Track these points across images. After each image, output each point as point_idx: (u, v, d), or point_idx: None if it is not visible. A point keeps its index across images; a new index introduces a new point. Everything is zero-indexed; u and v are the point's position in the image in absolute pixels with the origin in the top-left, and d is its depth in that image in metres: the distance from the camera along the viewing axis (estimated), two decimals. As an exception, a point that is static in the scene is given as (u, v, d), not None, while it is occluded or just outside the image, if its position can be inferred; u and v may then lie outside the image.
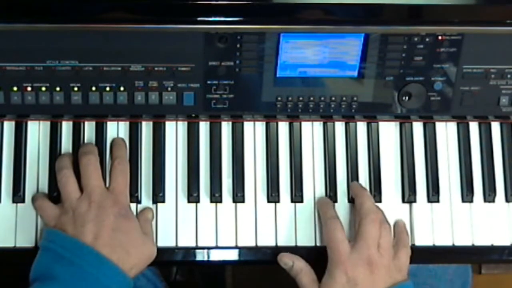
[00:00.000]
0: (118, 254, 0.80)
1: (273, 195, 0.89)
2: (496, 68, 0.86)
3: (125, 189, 0.85)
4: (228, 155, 0.90)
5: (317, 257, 0.87)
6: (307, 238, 0.89)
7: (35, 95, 0.85)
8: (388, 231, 0.85)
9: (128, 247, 0.81)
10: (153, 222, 0.88)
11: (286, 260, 0.86)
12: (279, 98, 0.87)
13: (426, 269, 0.99)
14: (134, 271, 0.82)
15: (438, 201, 0.91)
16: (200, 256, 0.89)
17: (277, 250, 0.88)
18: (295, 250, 0.88)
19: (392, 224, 0.89)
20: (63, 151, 0.88)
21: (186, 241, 0.88)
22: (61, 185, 0.84)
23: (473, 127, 0.93)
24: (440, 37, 0.84)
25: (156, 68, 0.84)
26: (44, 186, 0.88)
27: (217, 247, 0.88)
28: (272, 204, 0.90)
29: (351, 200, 0.90)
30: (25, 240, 0.86)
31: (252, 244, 0.88)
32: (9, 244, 0.86)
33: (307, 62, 0.84)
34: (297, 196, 0.90)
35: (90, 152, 0.85)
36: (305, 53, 0.84)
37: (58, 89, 0.85)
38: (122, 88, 0.85)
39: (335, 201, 0.90)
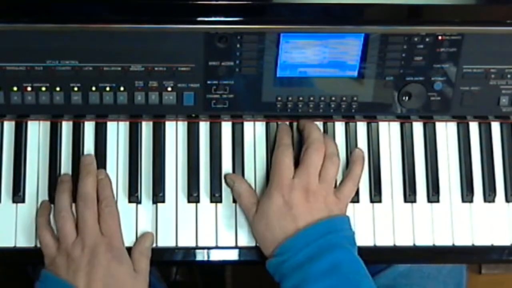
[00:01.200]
0: None
1: (273, 195, 0.89)
2: (496, 68, 0.86)
3: (117, 231, 0.85)
4: (228, 155, 0.90)
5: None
6: (307, 238, 0.89)
7: (35, 95, 0.85)
8: (335, 165, 0.86)
9: None
10: (153, 222, 0.88)
11: (228, 179, 0.88)
12: (279, 98, 0.87)
13: (419, 271, 0.99)
14: None
15: (438, 201, 0.91)
16: (200, 256, 0.89)
17: (277, 250, 0.88)
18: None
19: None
20: (63, 151, 0.88)
21: (186, 241, 0.88)
22: (58, 227, 0.84)
23: (473, 127, 0.93)
24: (440, 37, 0.84)
25: (156, 68, 0.84)
26: (44, 186, 0.88)
27: (217, 247, 0.88)
28: (272, 204, 0.90)
29: (351, 200, 0.90)
30: (25, 240, 0.86)
31: (252, 244, 0.88)
32: (9, 244, 0.86)
33: (307, 62, 0.84)
34: (284, 123, 0.90)
35: (89, 196, 0.85)
36: (305, 53, 0.84)
37: (58, 89, 0.85)
38: (122, 88, 0.85)
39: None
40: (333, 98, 0.88)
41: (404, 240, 0.90)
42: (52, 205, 0.87)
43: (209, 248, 0.89)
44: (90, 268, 0.80)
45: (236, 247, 0.89)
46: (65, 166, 0.89)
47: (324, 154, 0.87)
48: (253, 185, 0.90)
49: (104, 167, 0.88)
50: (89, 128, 0.90)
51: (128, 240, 0.86)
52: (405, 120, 0.92)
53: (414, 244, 0.90)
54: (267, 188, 0.86)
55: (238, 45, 0.83)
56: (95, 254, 0.81)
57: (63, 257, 0.82)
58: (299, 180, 0.84)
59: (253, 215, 0.86)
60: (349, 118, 0.91)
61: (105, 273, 0.81)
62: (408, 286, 0.89)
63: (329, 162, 0.86)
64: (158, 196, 0.88)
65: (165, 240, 0.88)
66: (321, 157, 0.86)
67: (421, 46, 0.84)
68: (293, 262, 0.80)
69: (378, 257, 0.89)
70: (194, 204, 0.89)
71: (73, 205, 0.86)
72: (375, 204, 0.91)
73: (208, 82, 0.86)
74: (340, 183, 0.88)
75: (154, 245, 0.87)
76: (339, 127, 0.92)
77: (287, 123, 0.90)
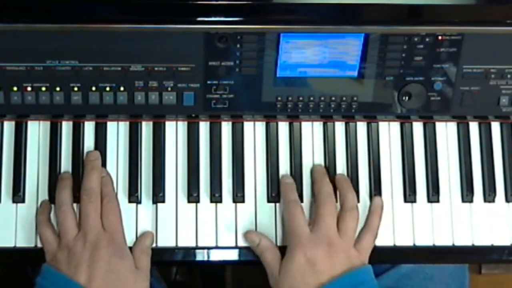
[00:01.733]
0: None
1: (273, 195, 0.89)
2: (496, 68, 0.86)
3: (119, 227, 0.85)
4: (228, 155, 0.90)
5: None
6: (307, 238, 0.89)
7: (35, 95, 0.85)
8: (354, 218, 0.86)
9: (120, 286, 0.81)
10: (153, 222, 0.88)
11: (253, 237, 0.87)
12: (279, 98, 0.87)
13: (422, 272, 0.98)
14: None
15: (438, 201, 0.91)
16: (200, 256, 0.89)
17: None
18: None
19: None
20: (63, 151, 0.88)
21: (186, 241, 0.88)
22: (59, 222, 0.84)
23: (473, 127, 0.93)
24: (440, 37, 0.84)
25: (156, 68, 0.84)
26: (44, 186, 0.88)
27: (217, 247, 0.88)
28: (272, 204, 0.90)
29: (351, 200, 0.90)
30: (25, 240, 0.86)
31: (252, 244, 0.88)
32: (9, 244, 0.86)
33: (307, 62, 0.84)
34: (286, 175, 0.90)
35: (93, 191, 0.85)
36: (305, 53, 0.84)
37: (58, 89, 0.85)
38: (122, 88, 0.85)
39: (335, 201, 0.90)
40: (333, 98, 0.88)
41: (404, 240, 0.90)
42: (53, 205, 0.87)
43: (209, 248, 0.89)
44: (91, 262, 0.80)
45: (236, 247, 0.89)
46: (65, 166, 0.88)
47: (342, 207, 0.86)
48: (253, 185, 0.90)
49: (104, 167, 0.88)
50: (89, 128, 0.90)
51: (128, 239, 0.86)
52: (405, 120, 0.92)
53: (414, 244, 0.90)
54: (287, 248, 0.85)
55: (238, 45, 0.83)
56: (96, 248, 0.81)
57: (64, 252, 0.82)
58: (319, 236, 0.83)
59: (276, 276, 0.84)
60: (349, 118, 0.91)
61: (106, 268, 0.80)
62: (410, 287, 0.89)
63: (349, 215, 0.85)
64: (158, 196, 0.88)
65: (165, 240, 0.88)
66: (335, 208, 0.86)
67: (421, 46, 0.84)
68: None
69: (378, 257, 0.89)
70: (194, 204, 0.89)
71: (73, 204, 0.86)
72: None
73: (208, 82, 0.86)
74: (359, 236, 0.87)
75: (154, 245, 0.88)
76: (339, 127, 0.92)
77: (289, 176, 0.89)
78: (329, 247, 0.83)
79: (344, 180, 0.89)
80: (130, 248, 0.86)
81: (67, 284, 0.79)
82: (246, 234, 0.88)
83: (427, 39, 0.83)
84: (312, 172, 0.90)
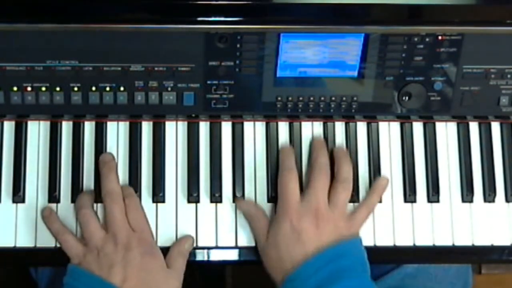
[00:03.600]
0: None
1: (273, 195, 0.89)
2: (496, 68, 0.86)
3: (146, 225, 0.85)
4: (228, 155, 0.90)
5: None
6: (307, 238, 0.89)
7: (35, 95, 0.85)
8: (346, 190, 0.85)
9: (153, 284, 0.82)
10: (153, 222, 0.88)
11: (242, 206, 0.87)
12: (279, 98, 0.87)
13: (426, 272, 0.98)
14: None
15: (438, 201, 0.91)
16: (200, 256, 0.89)
17: (277, 250, 0.88)
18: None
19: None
20: (63, 151, 0.88)
21: (186, 241, 0.88)
22: (82, 225, 0.84)
23: (473, 127, 0.93)
24: (440, 37, 0.84)
25: (156, 68, 0.84)
26: (44, 186, 0.88)
27: (217, 247, 0.88)
28: (272, 204, 0.89)
29: (351, 200, 0.90)
30: (25, 240, 0.86)
31: (252, 244, 0.88)
32: (9, 244, 0.86)
33: (307, 62, 0.84)
34: (288, 145, 0.90)
35: (116, 192, 0.85)
36: (305, 53, 0.84)
37: (58, 89, 0.85)
38: (122, 88, 0.85)
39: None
40: (333, 98, 0.88)
41: (404, 240, 0.90)
42: (54, 206, 0.86)
43: (209, 248, 0.89)
44: (125, 263, 0.80)
45: (236, 247, 0.89)
46: (65, 166, 0.88)
47: (336, 178, 0.86)
48: (253, 185, 0.90)
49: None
50: (89, 128, 0.90)
51: (128, 240, 0.87)
52: (405, 120, 0.92)
53: (414, 244, 0.90)
54: (275, 215, 0.85)
55: (238, 45, 0.83)
56: (129, 249, 0.81)
57: (94, 254, 0.81)
58: (307, 204, 0.83)
59: (263, 243, 0.85)
60: (349, 118, 0.91)
61: (139, 267, 0.81)
62: (415, 287, 0.89)
63: (341, 187, 0.85)
64: (158, 196, 0.88)
65: (165, 240, 0.88)
66: (327, 180, 0.85)
67: (421, 46, 0.84)
68: None
69: (378, 257, 0.89)
70: (194, 204, 0.89)
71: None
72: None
73: (208, 82, 0.86)
74: (355, 209, 0.87)
75: (154, 245, 0.88)
76: (339, 127, 0.92)
77: (289, 145, 0.90)
78: (316, 218, 0.82)
79: (342, 152, 0.89)
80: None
81: (102, 285, 0.79)
82: (236, 202, 0.88)
83: (427, 39, 0.83)
84: (311, 143, 0.90)
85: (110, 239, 0.82)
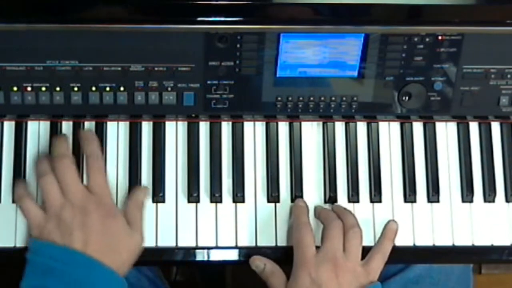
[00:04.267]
0: (109, 257, 0.79)
1: (273, 195, 0.89)
2: (496, 68, 0.86)
3: (106, 187, 0.84)
4: (228, 155, 0.90)
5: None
6: (307, 238, 0.89)
7: (35, 95, 0.85)
8: (356, 235, 0.84)
9: (117, 246, 0.81)
10: (153, 222, 0.88)
11: (257, 263, 0.86)
12: (279, 98, 0.87)
13: (429, 277, 0.98)
14: (126, 266, 0.82)
15: (438, 201, 0.91)
16: (200, 256, 0.89)
17: (277, 250, 0.88)
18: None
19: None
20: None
21: (186, 241, 0.88)
22: (43, 192, 0.82)
23: (473, 127, 0.93)
24: (440, 37, 0.84)
25: (156, 68, 0.84)
26: (44, 186, 0.88)
27: (217, 247, 0.88)
28: (272, 204, 0.90)
29: (351, 200, 0.90)
30: (25, 240, 0.86)
31: (252, 244, 0.88)
32: (9, 244, 0.86)
33: (307, 62, 0.84)
34: (297, 196, 0.90)
35: (64, 156, 0.83)
36: (305, 53, 0.84)
37: (58, 89, 0.85)
38: (122, 88, 0.85)
39: (335, 201, 0.90)
40: (333, 98, 0.88)
41: (404, 240, 0.90)
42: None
43: (209, 248, 0.89)
44: (84, 227, 0.79)
45: (236, 247, 0.89)
46: (65, 166, 0.88)
47: (344, 227, 0.85)
48: (253, 185, 0.90)
49: (104, 167, 0.88)
50: (89, 128, 0.89)
51: (128, 240, 0.87)
52: (405, 120, 0.92)
53: (414, 244, 0.90)
54: (292, 270, 0.84)
55: (238, 45, 0.83)
56: (86, 212, 0.80)
57: (54, 222, 0.80)
58: (324, 254, 0.82)
59: None
60: (349, 118, 0.91)
61: (100, 230, 0.80)
62: None
63: (351, 233, 0.84)
64: (158, 196, 0.88)
65: (165, 240, 0.88)
66: (341, 231, 0.84)
67: (421, 46, 0.84)
68: None
69: (378, 257, 0.89)
70: (194, 204, 0.89)
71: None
72: (375, 204, 0.91)
73: (208, 82, 0.86)
74: (368, 256, 0.86)
75: (154, 244, 0.88)
76: (339, 127, 0.92)
77: (303, 200, 0.89)
78: (335, 267, 0.81)
79: (339, 206, 0.89)
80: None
81: (64, 253, 0.78)
82: (251, 260, 0.87)
83: (427, 39, 0.83)
84: (315, 209, 0.89)
85: (67, 204, 0.80)
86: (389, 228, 0.88)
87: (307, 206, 0.88)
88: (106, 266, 0.78)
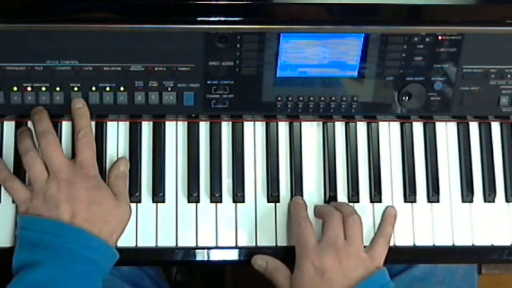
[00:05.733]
0: (97, 226, 0.80)
1: (273, 195, 0.89)
2: (496, 68, 0.86)
3: (93, 160, 0.84)
4: (228, 155, 0.90)
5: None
6: (307, 238, 0.89)
7: (35, 95, 0.85)
8: (355, 222, 0.85)
9: (105, 216, 0.81)
10: (153, 222, 0.88)
11: (259, 261, 0.86)
12: (279, 98, 0.87)
13: (434, 275, 0.98)
14: (115, 236, 0.82)
15: (438, 201, 0.91)
16: (200, 256, 0.89)
17: (277, 250, 0.88)
18: (294, 250, 0.88)
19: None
20: (63, 151, 0.88)
21: (186, 241, 0.88)
22: (27, 168, 0.83)
23: (473, 127, 0.93)
24: (440, 37, 0.84)
25: (156, 68, 0.84)
26: (44, 186, 0.88)
27: (217, 247, 0.88)
28: (272, 204, 0.90)
29: (351, 200, 0.90)
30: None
31: (252, 244, 0.88)
32: (9, 244, 0.86)
33: (307, 62, 0.84)
34: (297, 196, 0.90)
35: (47, 131, 0.83)
36: (305, 53, 0.84)
37: (58, 89, 0.85)
38: (122, 88, 0.85)
39: (335, 201, 0.90)
40: (333, 98, 0.88)
41: (404, 240, 0.90)
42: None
43: (209, 248, 0.89)
44: (71, 198, 0.79)
45: (236, 247, 0.89)
46: (65, 166, 0.88)
47: (343, 217, 0.85)
48: (253, 185, 0.90)
49: (104, 167, 0.88)
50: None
51: (129, 241, 0.87)
52: (405, 120, 0.92)
53: (414, 244, 0.90)
54: (295, 263, 0.84)
55: (238, 45, 0.83)
56: (72, 184, 0.80)
57: (40, 197, 0.80)
58: (326, 242, 0.83)
59: None
60: (349, 118, 0.91)
61: (86, 200, 0.80)
62: None
63: (350, 220, 0.84)
64: (158, 196, 0.88)
65: (165, 240, 0.88)
66: (340, 219, 0.85)
67: (421, 46, 0.84)
68: None
69: (378, 257, 0.89)
70: (194, 204, 0.89)
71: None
72: (375, 204, 0.91)
73: (208, 82, 0.86)
74: (371, 242, 0.87)
75: (154, 244, 0.88)
76: (339, 127, 0.92)
77: (301, 197, 0.89)
78: (337, 253, 0.81)
79: (335, 202, 0.89)
80: (129, 249, 0.85)
81: (52, 225, 0.78)
82: (253, 260, 0.87)
83: (427, 39, 0.83)
84: (315, 209, 0.90)
85: (52, 178, 0.81)
86: (388, 213, 0.89)
87: (305, 203, 0.88)
88: (95, 235, 0.79)
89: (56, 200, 0.80)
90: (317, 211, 0.89)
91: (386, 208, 0.89)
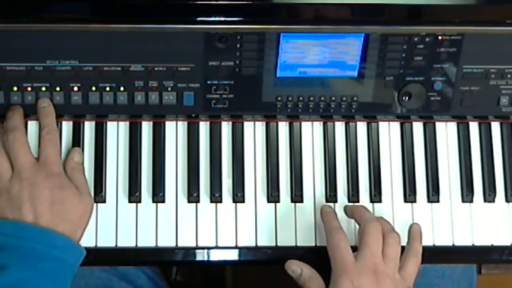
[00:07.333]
0: (61, 225, 0.79)
1: (273, 195, 0.89)
2: (496, 68, 0.86)
3: (57, 158, 0.83)
4: (228, 155, 0.90)
5: (317, 257, 0.87)
6: (307, 238, 0.89)
7: (35, 95, 0.85)
8: (396, 241, 0.83)
9: (69, 215, 0.80)
10: (153, 222, 0.88)
11: (294, 267, 0.85)
12: (279, 98, 0.87)
13: (434, 270, 0.98)
14: (80, 231, 0.82)
15: (438, 201, 0.91)
16: (200, 256, 0.89)
17: (277, 250, 0.88)
18: (295, 250, 0.88)
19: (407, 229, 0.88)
20: (63, 151, 0.88)
21: (186, 241, 0.88)
22: None
23: (473, 127, 0.93)
24: (440, 37, 0.84)
25: (156, 68, 0.84)
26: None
27: (217, 247, 0.88)
28: (272, 204, 0.90)
29: (351, 200, 0.90)
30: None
31: (252, 244, 0.89)
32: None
33: (307, 62, 0.84)
34: (297, 196, 0.90)
35: (16, 128, 0.83)
36: (305, 53, 0.84)
37: (58, 89, 0.85)
38: (122, 88, 0.85)
39: (335, 201, 0.90)
40: (333, 98, 0.88)
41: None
42: None
43: (209, 248, 0.89)
44: (34, 199, 0.79)
45: (236, 247, 0.89)
46: (65, 166, 0.88)
47: (383, 232, 0.83)
48: (253, 185, 0.90)
49: (104, 167, 0.88)
50: (89, 128, 0.90)
51: (129, 241, 0.87)
52: (405, 120, 0.92)
53: (414, 244, 0.90)
54: (332, 276, 0.82)
55: (238, 45, 0.83)
56: (34, 184, 0.80)
57: (4, 197, 0.80)
58: (364, 263, 0.81)
59: None
60: (349, 118, 0.91)
61: (49, 200, 0.79)
62: (424, 285, 0.88)
63: (390, 238, 0.83)
64: (158, 196, 0.88)
65: (165, 240, 0.88)
66: (380, 235, 0.83)
67: (421, 46, 0.84)
68: None
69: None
70: (194, 204, 0.89)
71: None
72: (375, 204, 0.91)
73: (208, 82, 0.86)
74: (402, 261, 0.84)
75: (154, 245, 0.88)
76: (339, 127, 0.92)
77: (329, 205, 0.88)
78: (376, 274, 0.80)
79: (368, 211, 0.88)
80: (123, 249, 0.85)
81: (16, 227, 0.78)
82: (286, 265, 0.85)
83: (427, 39, 0.84)
84: (346, 211, 0.89)
85: (15, 177, 0.80)
86: (415, 230, 0.87)
87: (334, 211, 0.87)
88: (60, 234, 0.78)
89: (19, 200, 0.79)
90: (351, 212, 0.87)
91: (412, 225, 0.88)
